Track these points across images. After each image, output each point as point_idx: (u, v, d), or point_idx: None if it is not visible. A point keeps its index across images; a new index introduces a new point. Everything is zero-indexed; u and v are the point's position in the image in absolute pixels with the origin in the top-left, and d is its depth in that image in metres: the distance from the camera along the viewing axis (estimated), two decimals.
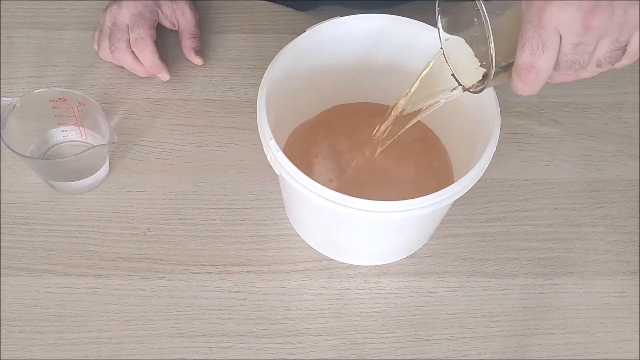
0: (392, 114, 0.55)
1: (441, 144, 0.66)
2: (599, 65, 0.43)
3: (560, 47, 0.41)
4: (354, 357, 0.58)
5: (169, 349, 0.57)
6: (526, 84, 0.43)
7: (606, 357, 0.59)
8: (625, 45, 0.42)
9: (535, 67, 0.42)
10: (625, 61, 0.43)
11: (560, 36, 0.41)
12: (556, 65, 0.43)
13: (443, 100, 0.52)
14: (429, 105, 0.53)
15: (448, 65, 0.49)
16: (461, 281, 0.62)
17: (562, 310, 0.61)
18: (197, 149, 0.67)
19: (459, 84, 0.49)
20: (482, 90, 0.47)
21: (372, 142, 0.58)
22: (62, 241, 0.62)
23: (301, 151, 0.64)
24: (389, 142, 0.57)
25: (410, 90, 0.53)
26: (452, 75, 0.49)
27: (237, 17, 0.76)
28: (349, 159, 0.64)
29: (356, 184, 0.62)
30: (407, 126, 0.55)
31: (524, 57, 0.42)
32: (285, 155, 0.51)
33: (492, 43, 0.43)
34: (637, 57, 0.43)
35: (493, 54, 0.43)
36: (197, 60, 0.71)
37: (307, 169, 0.63)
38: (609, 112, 0.72)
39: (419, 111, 0.54)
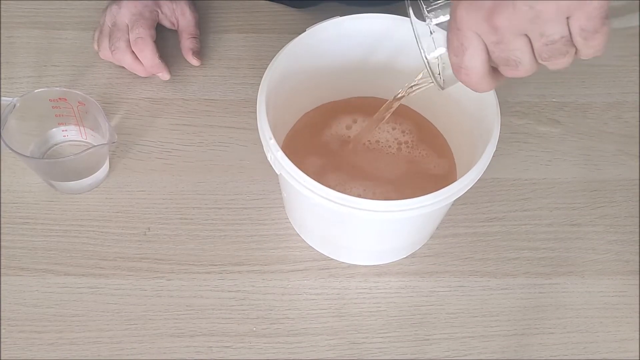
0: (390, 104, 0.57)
1: (446, 143, 0.66)
2: (545, 60, 0.42)
3: (486, 45, 0.42)
4: (353, 356, 0.58)
5: (169, 349, 0.57)
6: (466, 83, 0.45)
7: (606, 357, 0.59)
8: (564, 37, 0.41)
9: (462, 67, 0.44)
10: (586, 51, 0.41)
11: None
12: (493, 62, 0.43)
13: (416, 89, 0.53)
14: (408, 92, 0.55)
15: (424, 60, 0.49)
16: (461, 281, 0.62)
17: (562, 309, 0.61)
18: (197, 149, 0.67)
19: (433, 78, 0.49)
20: (441, 87, 0.49)
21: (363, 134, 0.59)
22: (62, 241, 0.62)
23: (301, 150, 0.64)
24: (376, 126, 0.59)
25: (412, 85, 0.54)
26: (428, 69, 0.49)
27: (237, 17, 0.76)
28: (349, 156, 0.64)
29: (358, 181, 0.62)
30: (392, 109, 0.57)
31: (451, 59, 0.44)
32: (285, 154, 0.51)
33: (420, 45, 0.46)
34: (596, 44, 0.41)
35: (423, 56, 0.46)
36: (195, 62, 0.71)
37: (307, 168, 0.63)
38: (609, 112, 0.72)
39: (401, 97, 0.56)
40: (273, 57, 0.56)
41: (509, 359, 0.58)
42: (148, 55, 0.67)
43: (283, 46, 0.56)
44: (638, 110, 0.72)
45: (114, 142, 0.60)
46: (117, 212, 0.64)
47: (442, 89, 0.49)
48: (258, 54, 0.73)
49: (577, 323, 0.60)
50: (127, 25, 0.67)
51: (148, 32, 0.67)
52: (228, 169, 0.66)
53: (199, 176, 0.66)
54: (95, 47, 0.70)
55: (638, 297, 0.61)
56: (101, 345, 0.57)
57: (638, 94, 0.73)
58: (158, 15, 0.70)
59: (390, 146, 0.64)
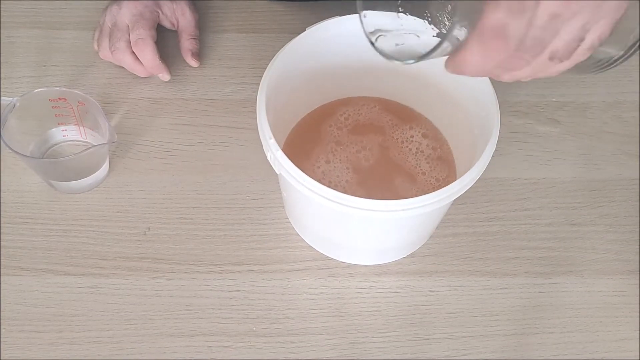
0: None
1: (446, 142, 0.66)
2: (551, 58, 0.37)
3: (534, 16, 0.35)
4: (353, 356, 0.58)
5: (169, 348, 0.57)
6: (484, 53, 0.36)
7: (606, 357, 0.59)
8: (583, 39, 0.36)
9: (506, 32, 0.35)
10: (566, 63, 0.38)
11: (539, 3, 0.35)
12: (519, 42, 0.36)
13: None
14: None
15: (369, 40, 0.46)
16: (461, 280, 0.62)
17: (562, 309, 0.61)
18: (197, 149, 0.67)
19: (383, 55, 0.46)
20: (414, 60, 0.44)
21: None
22: (62, 240, 0.62)
23: (301, 150, 0.64)
24: None
25: None
26: (376, 48, 0.46)
27: (237, 17, 0.76)
28: (350, 155, 0.64)
29: (359, 181, 0.62)
30: None
31: (496, 16, 0.35)
32: (285, 154, 0.51)
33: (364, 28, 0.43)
34: (578, 58, 0.37)
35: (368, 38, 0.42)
36: (194, 63, 0.71)
37: (307, 167, 0.63)
38: (609, 112, 0.72)
39: None
40: (273, 57, 0.56)
41: (509, 358, 0.58)
42: (148, 56, 0.67)
43: (283, 46, 0.56)
44: (638, 110, 0.72)
45: (113, 142, 0.60)
46: (117, 212, 0.64)
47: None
48: (258, 54, 0.73)
49: (576, 322, 0.60)
50: (128, 26, 0.67)
51: (149, 33, 0.67)
52: (228, 169, 0.66)
53: (199, 176, 0.66)
54: (95, 47, 0.70)
55: (638, 297, 0.61)
56: (101, 345, 0.57)
57: (638, 94, 0.73)
58: (159, 16, 0.70)
59: (391, 145, 0.64)
